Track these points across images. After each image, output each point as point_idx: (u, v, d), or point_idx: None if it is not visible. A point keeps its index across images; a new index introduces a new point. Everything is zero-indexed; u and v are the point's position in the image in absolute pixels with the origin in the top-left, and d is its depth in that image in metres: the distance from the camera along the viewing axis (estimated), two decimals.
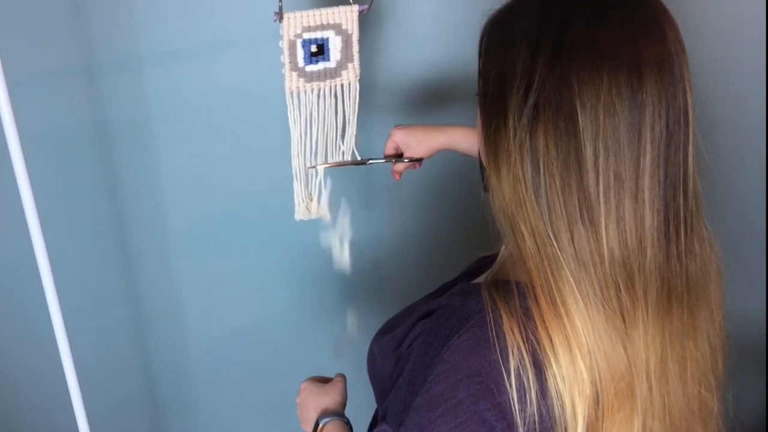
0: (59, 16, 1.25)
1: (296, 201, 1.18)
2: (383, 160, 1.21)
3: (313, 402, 0.98)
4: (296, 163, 1.14)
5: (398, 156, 1.20)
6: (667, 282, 0.68)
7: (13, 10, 1.22)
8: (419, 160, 1.19)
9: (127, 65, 1.32)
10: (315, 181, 1.17)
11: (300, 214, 1.19)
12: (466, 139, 1.17)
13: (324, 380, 1.04)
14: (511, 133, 0.66)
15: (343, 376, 1.04)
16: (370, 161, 1.19)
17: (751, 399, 1.79)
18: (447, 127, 1.19)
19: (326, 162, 1.16)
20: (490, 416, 0.66)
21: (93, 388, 1.24)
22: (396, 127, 1.20)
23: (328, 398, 0.98)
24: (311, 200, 1.18)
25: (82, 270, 1.44)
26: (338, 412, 0.96)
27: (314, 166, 1.15)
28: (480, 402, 0.66)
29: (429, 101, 1.51)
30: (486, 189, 1.14)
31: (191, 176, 1.44)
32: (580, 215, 0.65)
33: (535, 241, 0.67)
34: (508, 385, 0.66)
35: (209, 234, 1.50)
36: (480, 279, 0.85)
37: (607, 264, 0.65)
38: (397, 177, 1.22)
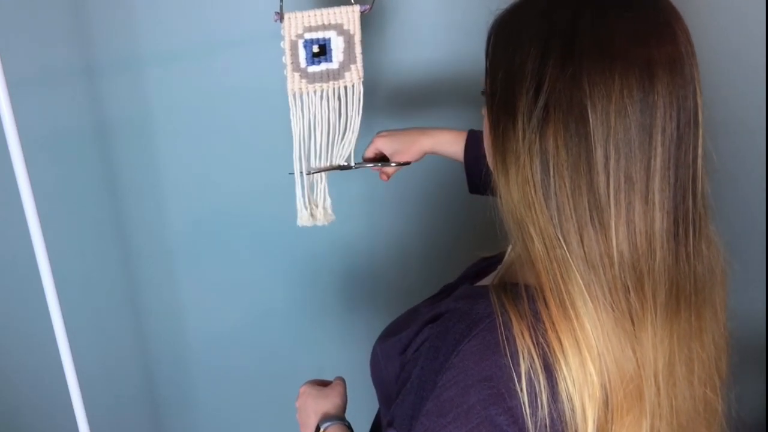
0: (59, 16, 1.24)
1: (298, 207, 1.14)
2: (371, 165, 1.19)
3: (313, 406, 0.96)
4: (298, 167, 1.11)
5: (385, 160, 1.19)
6: (675, 284, 0.68)
7: (13, 10, 1.21)
8: (407, 164, 1.18)
9: (127, 65, 1.31)
10: (319, 187, 1.14)
11: (303, 220, 1.15)
12: (451, 144, 1.16)
13: (323, 383, 1.02)
14: (520, 134, 0.66)
15: (343, 379, 1.02)
16: (356, 166, 1.15)
17: (752, 399, 1.79)
18: (432, 130, 1.18)
19: (315, 167, 1.12)
20: (501, 421, 0.65)
21: (93, 388, 1.24)
22: (378, 134, 1.19)
23: (328, 402, 0.96)
24: (316, 207, 1.14)
25: (82, 270, 1.43)
26: (339, 416, 0.94)
27: (310, 172, 1.12)
28: (491, 407, 0.66)
29: (432, 102, 1.50)
30: (471, 191, 1.13)
31: (191, 176, 1.44)
32: (590, 217, 0.64)
33: (544, 244, 0.66)
34: (519, 390, 0.65)
35: (209, 234, 1.50)
36: (485, 281, 0.84)
37: (616, 266, 0.65)
38: (385, 178, 1.21)
